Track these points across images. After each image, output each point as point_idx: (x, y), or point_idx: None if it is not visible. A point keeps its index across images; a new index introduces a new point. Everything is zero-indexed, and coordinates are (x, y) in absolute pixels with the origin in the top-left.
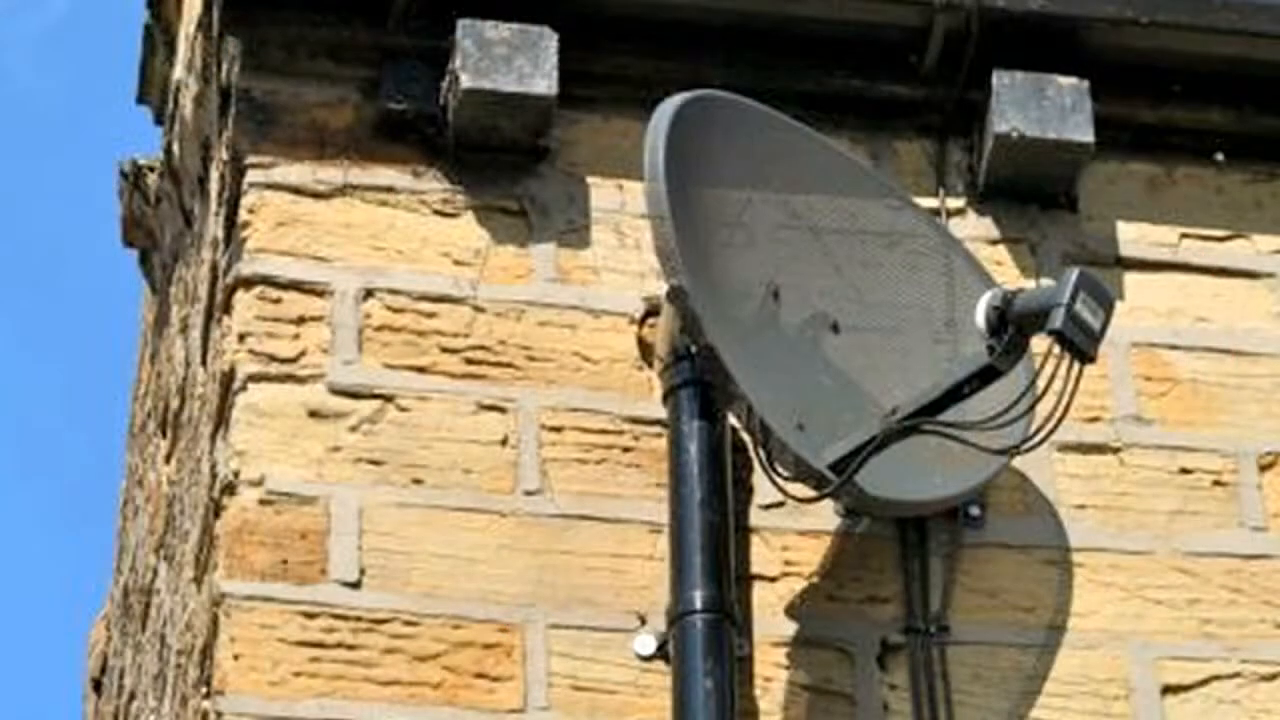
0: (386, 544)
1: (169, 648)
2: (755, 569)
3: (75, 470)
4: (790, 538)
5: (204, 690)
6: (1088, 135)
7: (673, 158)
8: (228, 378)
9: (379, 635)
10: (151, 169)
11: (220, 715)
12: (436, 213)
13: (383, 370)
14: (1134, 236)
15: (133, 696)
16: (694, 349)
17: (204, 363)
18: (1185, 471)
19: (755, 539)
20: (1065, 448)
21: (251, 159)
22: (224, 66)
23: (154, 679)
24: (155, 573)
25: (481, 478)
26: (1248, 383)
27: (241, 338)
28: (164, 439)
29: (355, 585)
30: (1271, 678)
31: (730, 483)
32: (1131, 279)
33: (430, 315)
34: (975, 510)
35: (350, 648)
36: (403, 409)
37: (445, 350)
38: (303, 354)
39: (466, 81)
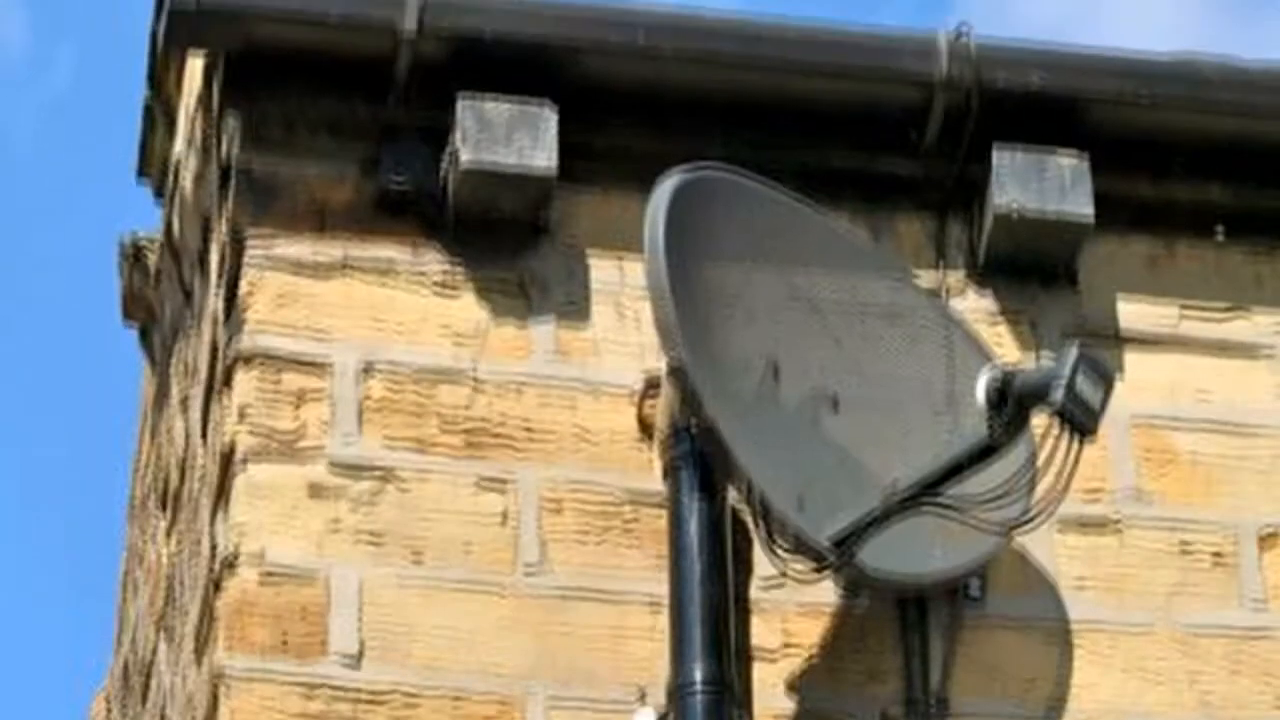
0: (386, 620)
1: None
2: (755, 644)
3: (76, 545)
4: (790, 613)
5: None
6: (1088, 211)
7: (673, 233)
8: (228, 454)
9: (380, 710)
10: (151, 245)
11: None
12: (436, 288)
13: (383, 446)
14: (1134, 312)
15: None
16: (694, 425)
17: (204, 439)
18: (1185, 547)
19: (755, 615)
20: (1065, 524)
21: (251, 235)
22: (224, 142)
23: None
24: (156, 648)
25: (481, 554)
26: (1248, 459)
27: (241, 414)
28: (164, 515)
29: (355, 661)
30: None
31: (730, 558)
32: (1132, 355)
33: (430, 391)
34: (975, 586)
35: None
36: (403, 485)
37: (445, 426)
38: (303, 430)
39: (466, 157)
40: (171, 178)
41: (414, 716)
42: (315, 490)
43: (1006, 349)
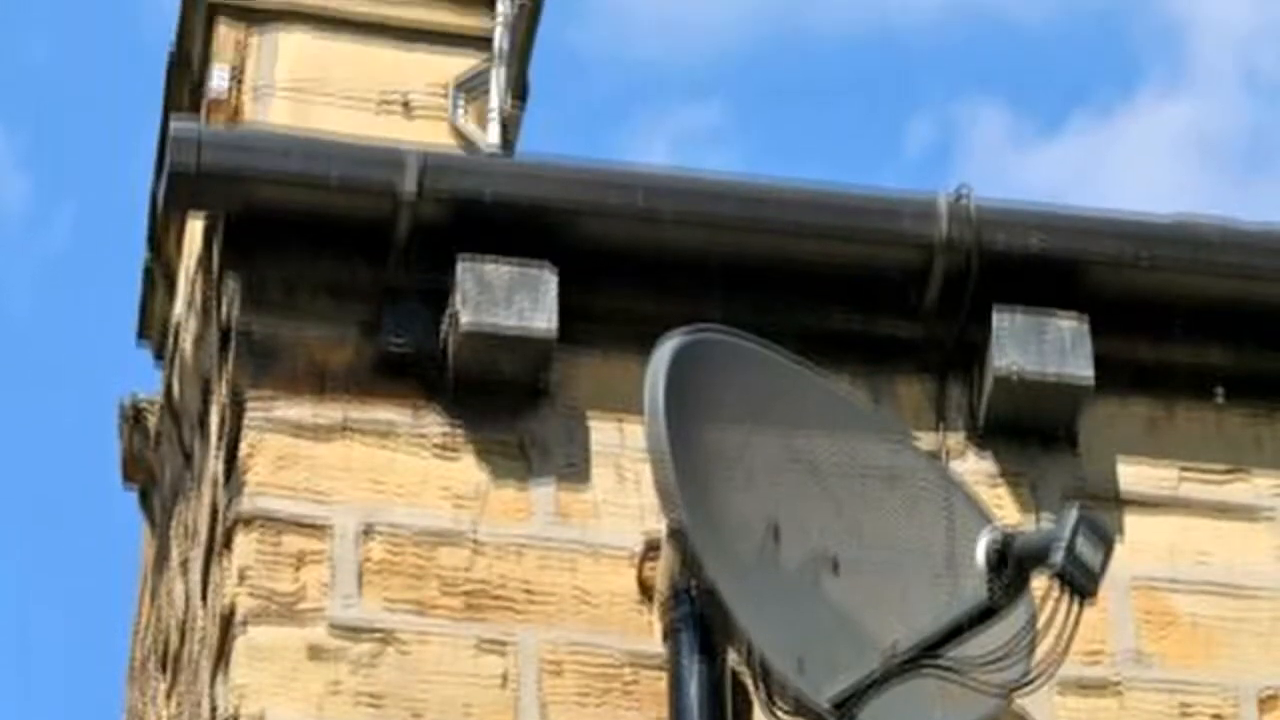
0: None
1: None
2: None
3: (75, 708)
4: None
5: None
6: (1088, 373)
7: (672, 395)
8: (228, 615)
9: None
10: (151, 407)
11: None
12: (437, 450)
13: (383, 608)
14: (1134, 474)
15: None
16: (694, 587)
17: (204, 600)
18: (1185, 709)
19: None
20: (1066, 685)
21: (251, 397)
22: (224, 304)
23: None
24: None
25: (482, 716)
26: (1247, 621)
27: (241, 576)
28: (164, 677)
29: None
30: None
31: None
32: (1132, 517)
33: (430, 553)
34: None
35: None
36: (403, 647)
37: (445, 588)
38: (303, 592)
39: (466, 320)
40: (171, 340)
41: None
42: (315, 652)
43: (1007, 511)
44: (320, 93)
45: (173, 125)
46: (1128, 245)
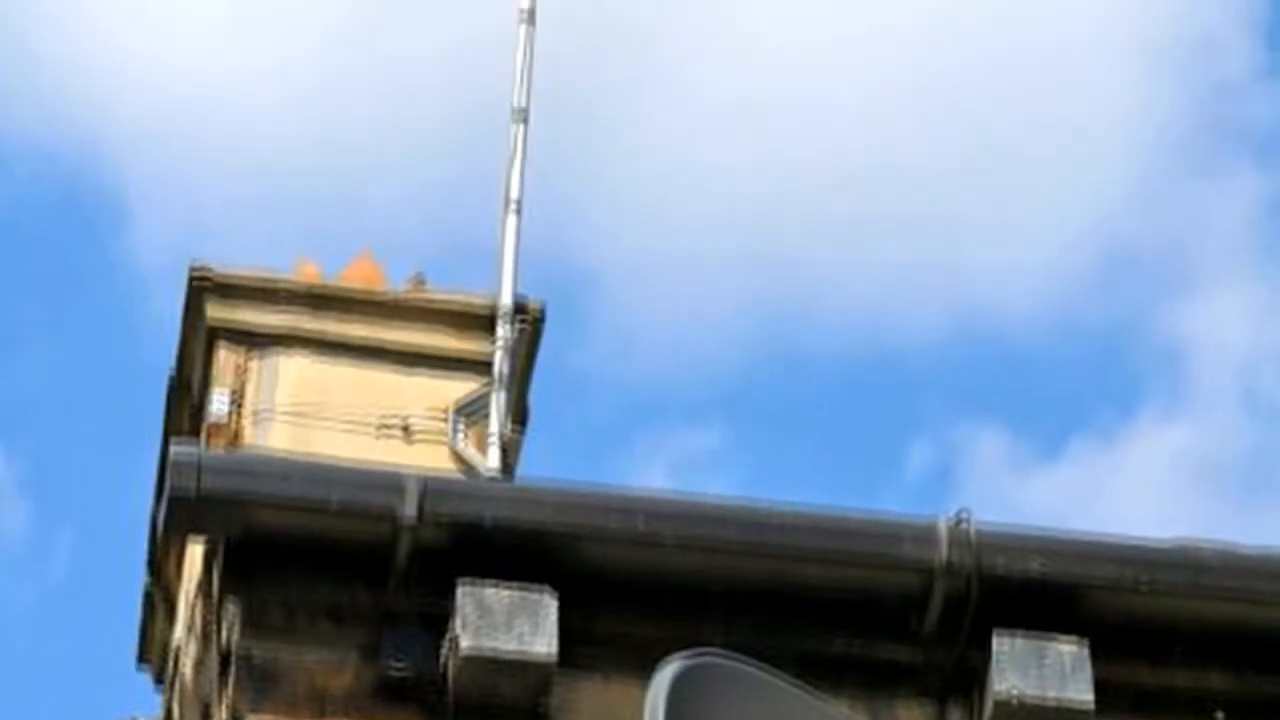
0: None
1: None
2: None
3: None
4: None
5: None
6: (1088, 697)
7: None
8: None
9: None
10: None
11: None
12: None
13: None
14: None
15: None
16: None
17: None
18: None
19: None
20: None
21: None
22: (224, 628)
23: None
24: None
25: None
26: None
27: None
28: None
29: None
30: None
31: None
32: None
33: None
34: None
35: None
36: None
37: None
38: None
39: (466, 644)
40: (171, 663)
41: None
42: None
43: None
44: (320, 417)
45: (173, 449)
46: (1128, 570)
